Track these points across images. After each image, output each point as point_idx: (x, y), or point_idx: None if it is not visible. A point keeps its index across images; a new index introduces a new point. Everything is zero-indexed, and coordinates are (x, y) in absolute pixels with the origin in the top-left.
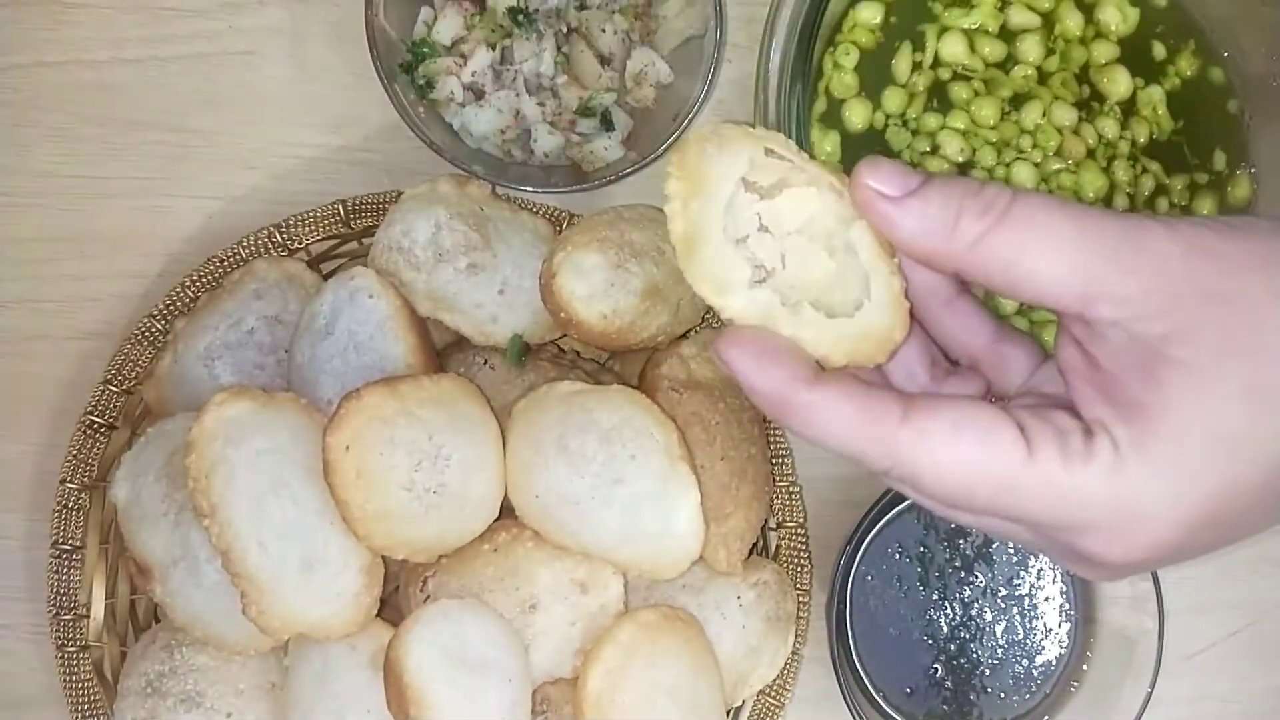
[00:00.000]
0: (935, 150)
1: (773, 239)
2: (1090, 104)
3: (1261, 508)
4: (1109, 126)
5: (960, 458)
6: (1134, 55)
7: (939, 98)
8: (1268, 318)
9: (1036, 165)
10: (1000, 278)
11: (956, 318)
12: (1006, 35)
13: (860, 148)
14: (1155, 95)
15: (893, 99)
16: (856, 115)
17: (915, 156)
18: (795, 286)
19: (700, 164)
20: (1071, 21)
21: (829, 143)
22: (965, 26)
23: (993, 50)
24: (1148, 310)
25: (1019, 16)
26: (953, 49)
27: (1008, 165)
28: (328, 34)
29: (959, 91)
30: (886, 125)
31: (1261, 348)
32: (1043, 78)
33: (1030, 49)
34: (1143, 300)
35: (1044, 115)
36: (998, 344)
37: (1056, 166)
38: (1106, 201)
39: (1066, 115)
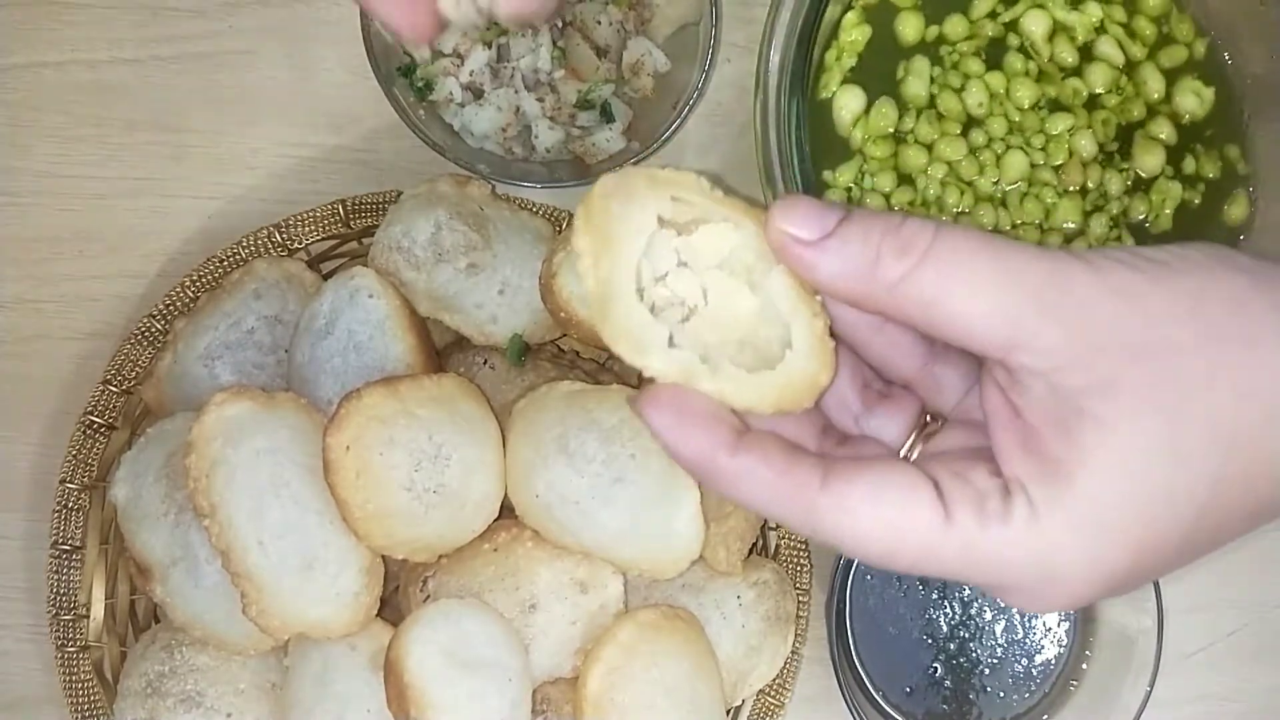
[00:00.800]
0: (962, 87)
1: (692, 274)
2: (1114, 154)
3: (1189, 551)
4: (1115, 184)
5: (879, 524)
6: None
7: (991, 55)
8: (1188, 370)
9: (1031, 166)
10: (922, 319)
11: (887, 342)
12: (1085, 50)
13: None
14: (1173, 192)
15: (957, 24)
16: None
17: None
18: (718, 324)
19: (606, 221)
20: (1152, 84)
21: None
22: (1058, 17)
23: (1066, 53)
24: (1068, 361)
25: (1106, 46)
26: (1033, 25)
27: (1007, 147)
28: (327, 33)
29: (1014, 61)
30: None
31: (1180, 404)
32: (1091, 102)
33: (1098, 76)
34: (1063, 350)
35: (1070, 131)
36: (930, 365)
37: (1046, 179)
38: (1067, 240)
39: (1088, 146)
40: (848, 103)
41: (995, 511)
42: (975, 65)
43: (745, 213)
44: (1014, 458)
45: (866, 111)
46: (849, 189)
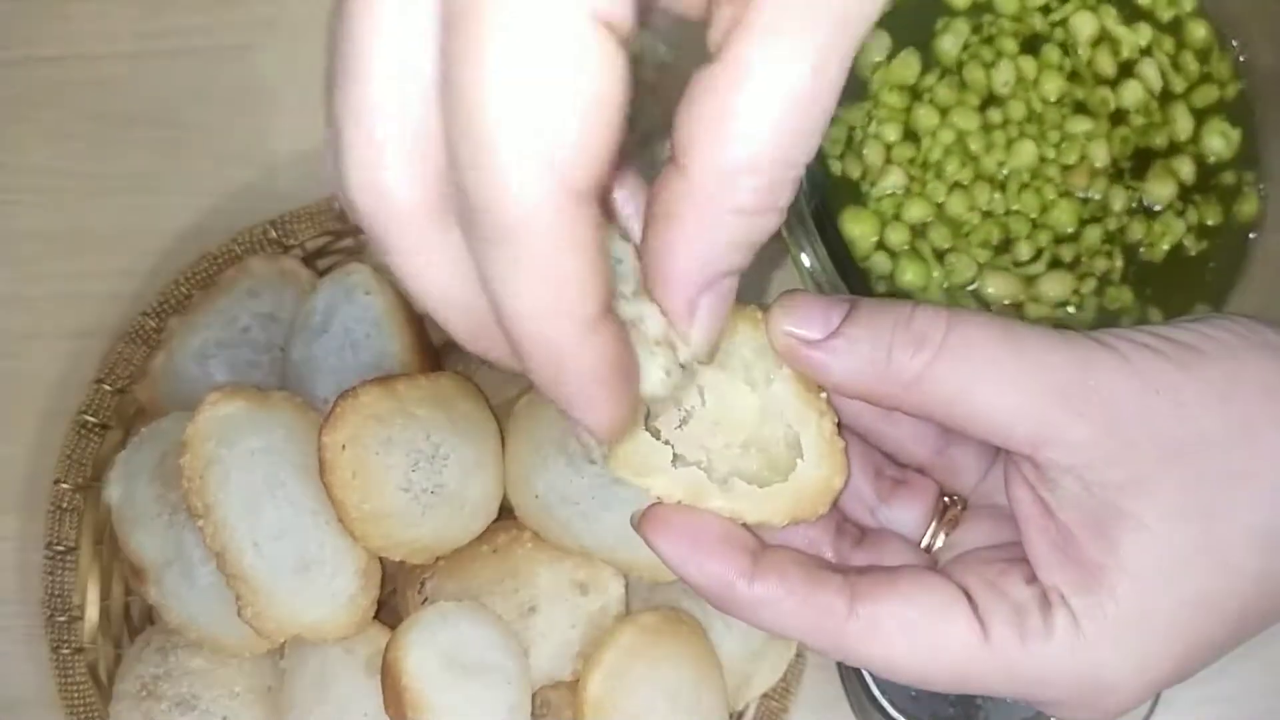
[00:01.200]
0: (992, 63)
1: (686, 376)
2: (1125, 172)
3: (1233, 643)
4: (1119, 201)
5: (913, 648)
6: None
7: (1029, 41)
8: (1223, 465)
9: (1040, 159)
10: (943, 414)
11: (899, 429)
12: (1125, 66)
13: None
14: (1175, 228)
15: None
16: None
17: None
18: (718, 427)
19: None
20: (1182, 123)
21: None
22: (1107, 26)
23: (1106, 63)
24: (1100, 456)
25: (1148, 69)
26: (1082, 26)
27: (1021, 133)
28: (322, 27)
29: (1050, 53)
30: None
31: (1217, 501)
32: (1116, 116)
33: (1130, 95)
34: (1095, 445)
35: (1087, 136)
36: (946, 448)
37: (1051, 175)
38: (1058, 240)
39: (1101, 156)
40: (874, 42)
41: (1036, 628)
42: (1010, 45)
43: (739, 313)
44: (1050, 564)
45: (889, 59)
46: (852, 128)
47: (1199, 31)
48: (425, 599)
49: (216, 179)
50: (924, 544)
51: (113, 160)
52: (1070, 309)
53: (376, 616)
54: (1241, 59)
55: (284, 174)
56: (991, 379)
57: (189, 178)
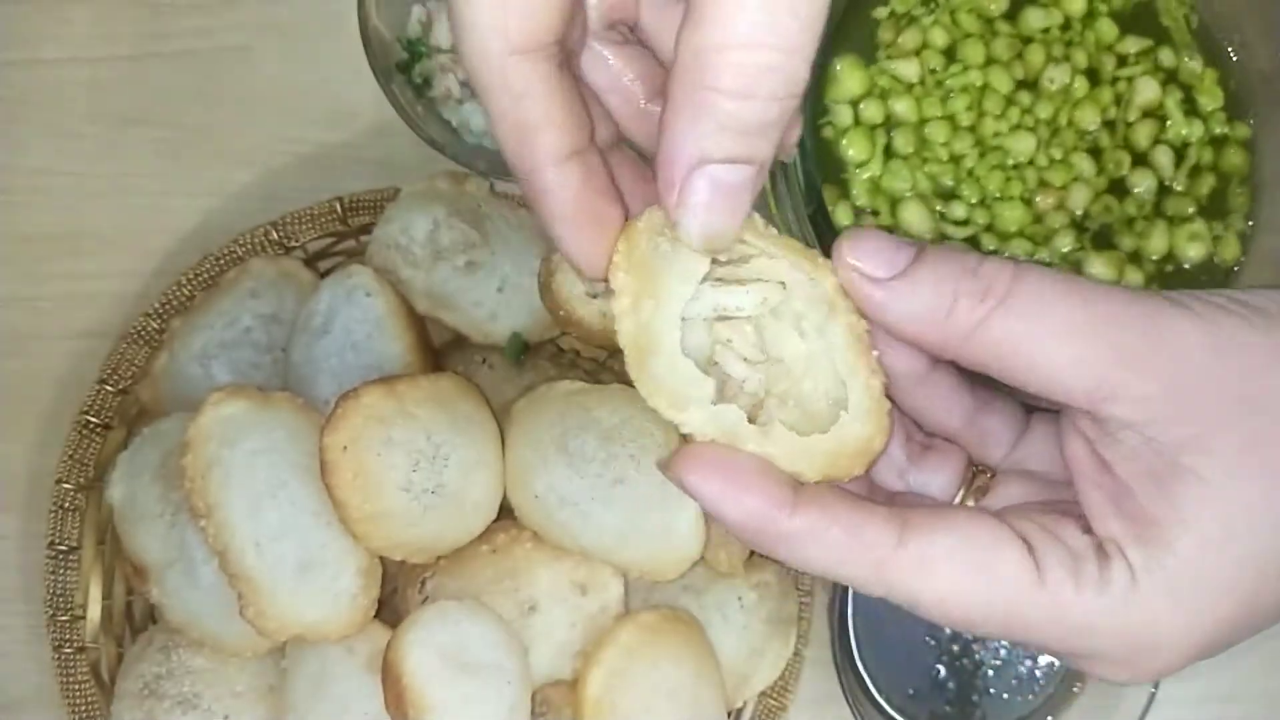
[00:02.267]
0: (1057, 58)
1: (734, 324)
2: (1087, 228)
3: (1278, 614)
4: (1065, 242)
5: (963, 584)
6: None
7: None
8: None
9: (1029, 160)
10: (1000, 367)
11: (932, 394)
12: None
13: None
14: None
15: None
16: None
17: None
18: (764, 374)
19: (652, 259)
20: (1158, 238)
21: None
22: (1167, 104)
23: (1142, 135)
24: (1166, 413)
25: (1164, 158)
26: (1144, 90)
27: (1034, 124)
28: (324, 28)
29: (1104, 93)
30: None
31: (1277, 464)
32: (1118, 184)
33: (1140, 175)
34: (1160, 401)
35: (1082, 179)
36: (977, 417)
37: (1026, 175)
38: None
39: (1077, 202)
40: None
41: (1091, 576)
42: (1081, 58)
43: (800, 253)
44: (1106, 516)
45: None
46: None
47: (1235, 159)
48: (426, 598)
49: (218, 180)
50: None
51: (114, 161)
52: None
53: (377, 616)
54: (1236, 59)
55: (285, 176)
56: (1055, 331)
57: (190, 179)
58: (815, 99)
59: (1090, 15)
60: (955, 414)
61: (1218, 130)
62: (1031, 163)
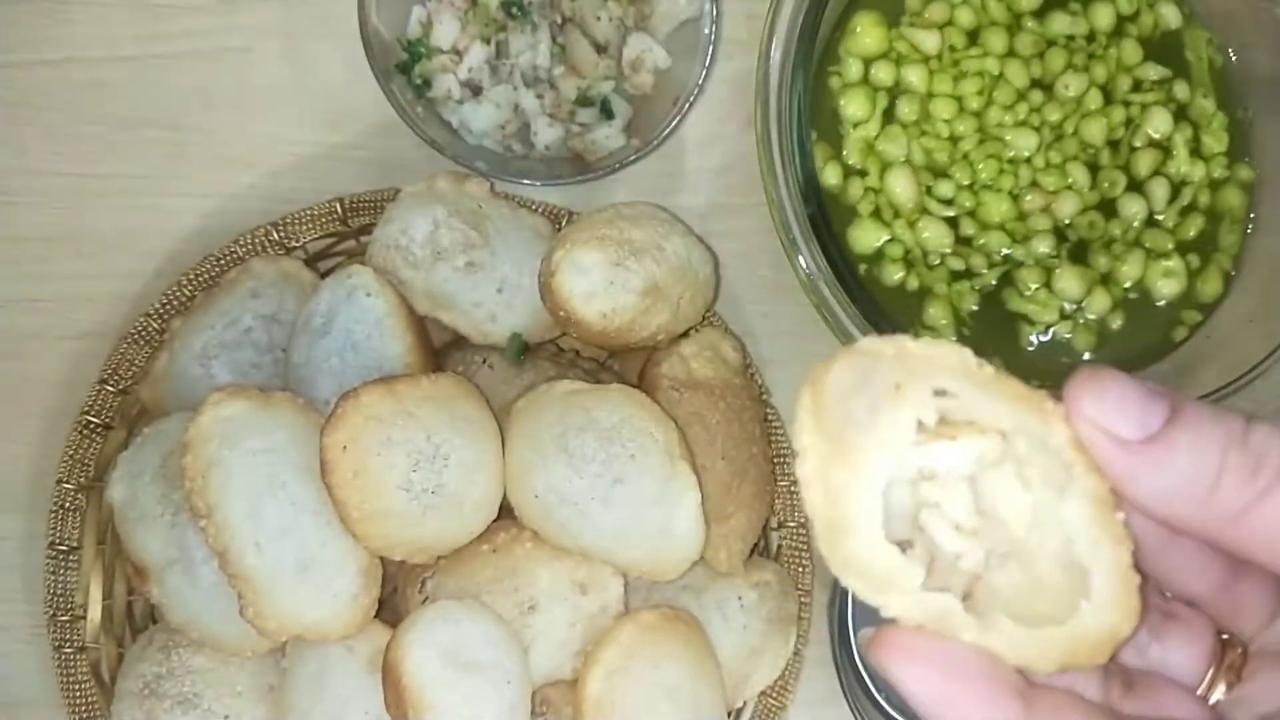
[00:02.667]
0: (1078, 67)
1: (943, 482)
2: (1066, 236)
3: None
4: (1043, 245)
5: None
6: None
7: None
8: None
9: (1027, 157)
10: (1268, 557)
11: (1178, 558)
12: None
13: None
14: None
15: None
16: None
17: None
18: (981, 542)
19: (843, 420)
20: (1132, 264)
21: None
22: (1175, 138)
23: (1143, 163)
24: None
25: (1160, 190)
26: (1156, 121)
27: (1040, 123)
28: (324, 29)
29: (1116, 111)
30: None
31: None
32: (1108, 205)
33: (1132, 203)
34: None
35: (1075, 189)
36: (1230, 584)
37: (1021, 172)
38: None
39: (1065, 210)
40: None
41: None
42: (1100, 72)
43: (1023, 398)
44: None
45: None
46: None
47: (1233, 199)
48: (426, 598)
49: (219, 181)
50: (1200, 693)
51: (115, 162)
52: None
53: (377, 615)
54: (1234, 60)
55: (286, 176)
56: None
57: (191, 180)
58: (830, 48)
59: (1117, 33)
60: (1205, 578)
61: (1217, 173)
62: (1029, 161)
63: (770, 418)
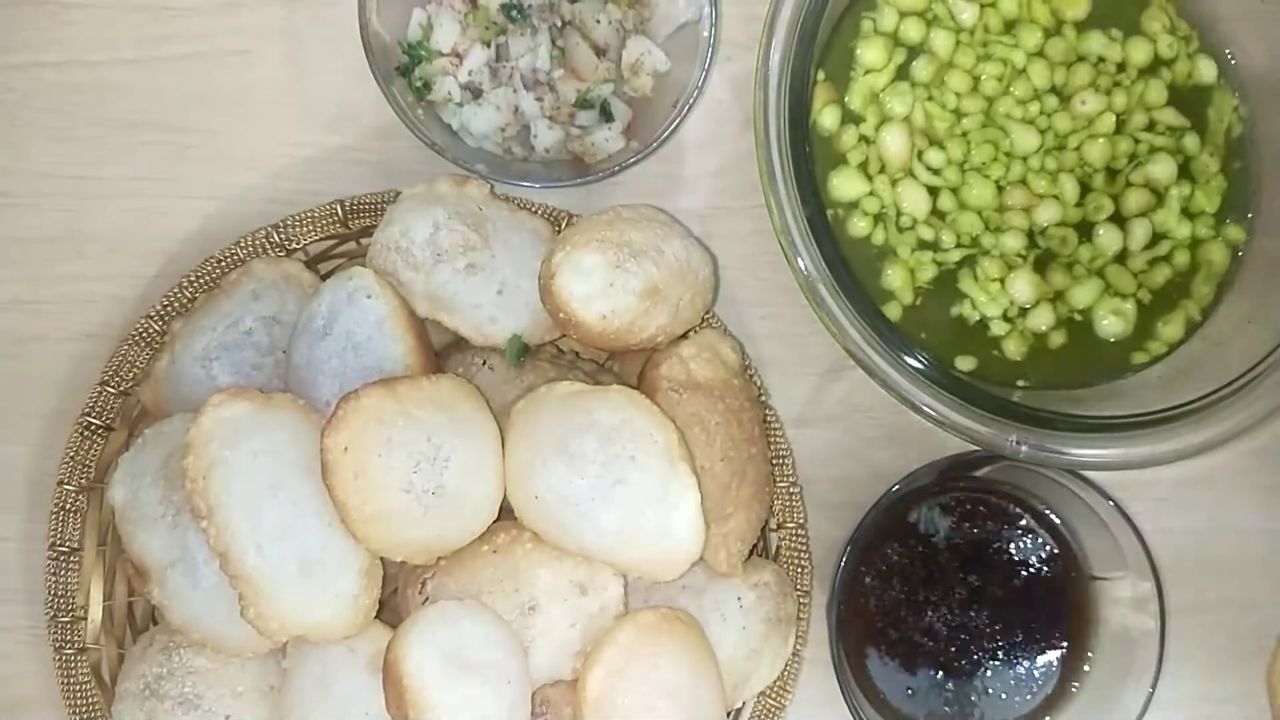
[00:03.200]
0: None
1: None
2: (1038, 244)
3: None
4: (1014, 241)
5: None
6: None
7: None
8: None
9: (1023, 155)
10: None
11: None
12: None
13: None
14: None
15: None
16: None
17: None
18: None
19: None
20: (1083, 293)
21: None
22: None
23: (1135, 202)
24: None
25: (1139, 230)
26: (1159, 168)
27: (1046, 126)
28: (324, 33)
29: (1125, 143)
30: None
31: None
32: (1084, 226)
33: (1163, 165)
34: None
35: (1059, 198)
36: None
37: (1013, 168)
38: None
39: (1046, 217)
40: None
41: None
42: (1121, 102)
43: None
44: None
45: None
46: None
47: (1215, 255)
48: (426, 599)
49: (219, 183)
50: None
51: (116, 164)
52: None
53: (378, 616)
54: (1233, 61)
55: (287, 178)
56: None
57: (192, 182)
58: (829, 48)
59: (1149, 71)
60: None
61: (1202, 232)
62: (1025, 160)
63: (769, 419)
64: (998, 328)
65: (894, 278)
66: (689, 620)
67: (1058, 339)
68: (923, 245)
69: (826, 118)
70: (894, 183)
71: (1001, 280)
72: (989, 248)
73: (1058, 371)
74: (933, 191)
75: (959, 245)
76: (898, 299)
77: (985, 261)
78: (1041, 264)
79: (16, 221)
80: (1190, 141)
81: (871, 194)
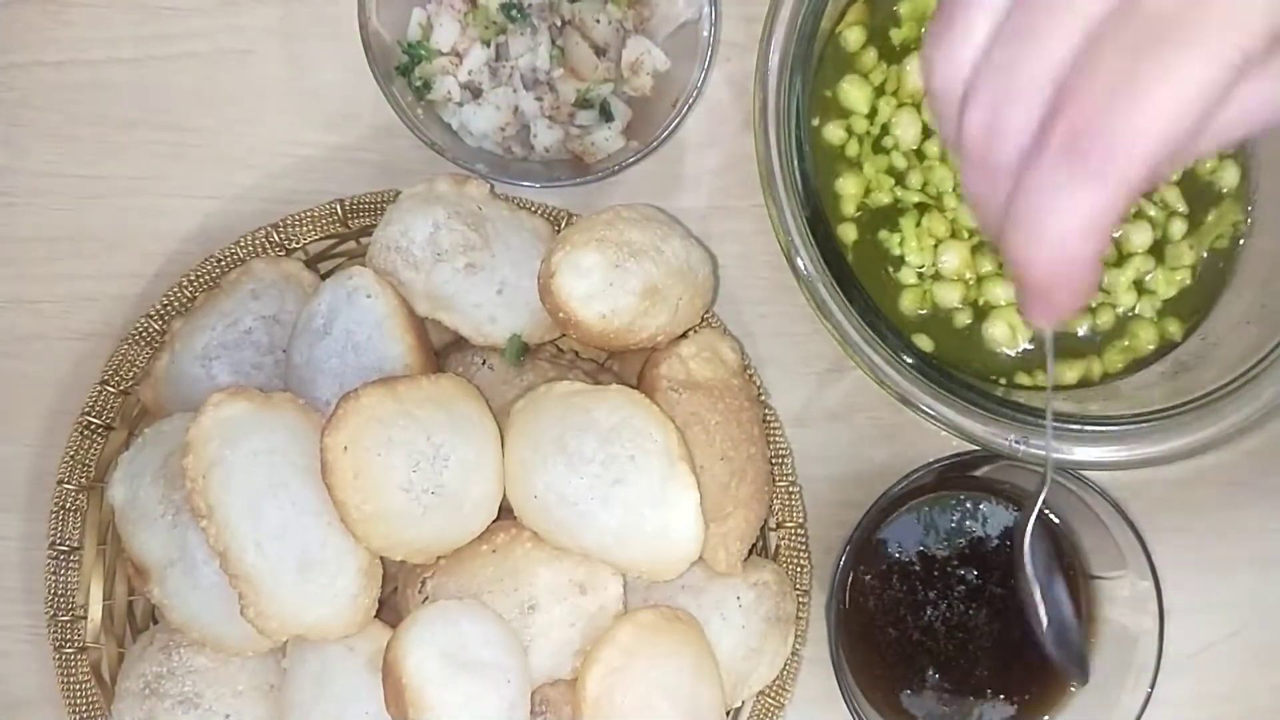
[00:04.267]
0: None
1: None
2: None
3: None
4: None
5: None
6: None
7: None
8: None
9: None
10: None
11: None
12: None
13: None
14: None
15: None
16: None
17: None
18: None
19: None
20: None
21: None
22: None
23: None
24: None
25: (1137, 271)
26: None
27: None
28: (324, 32)
29: None
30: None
31: None
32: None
33: (1140, 233)
34: None
35: None
36: None
37: None
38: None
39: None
40: None
41: None
42: None
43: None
44: None
45: None
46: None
47: (1144, 337)
48: (426, 598)
49: (219, 182)
50: None
51: (116, 163)
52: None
53: (378, 615)
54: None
55: (286, 178)
56: None
57: (192, 181)
58: (828, 48)
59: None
60: None
61: (1143, 309)
62: None
63: (768, 418)
64: (906, 276)
65: (848, 184)
66: (688, 619)
67: (964, 318)
68: (891, 172)
69: (852, 35)
70: (899, 105)
71: (937, 242)
72: (946, 209)
73: (949, 351)
74: (925, 133)
75: (923, 190)
76: (843, 209)
77: (935, 215)
78: (980, 249)
79: (16, 220)
80: (1176, 227)
81: (871, 113)
